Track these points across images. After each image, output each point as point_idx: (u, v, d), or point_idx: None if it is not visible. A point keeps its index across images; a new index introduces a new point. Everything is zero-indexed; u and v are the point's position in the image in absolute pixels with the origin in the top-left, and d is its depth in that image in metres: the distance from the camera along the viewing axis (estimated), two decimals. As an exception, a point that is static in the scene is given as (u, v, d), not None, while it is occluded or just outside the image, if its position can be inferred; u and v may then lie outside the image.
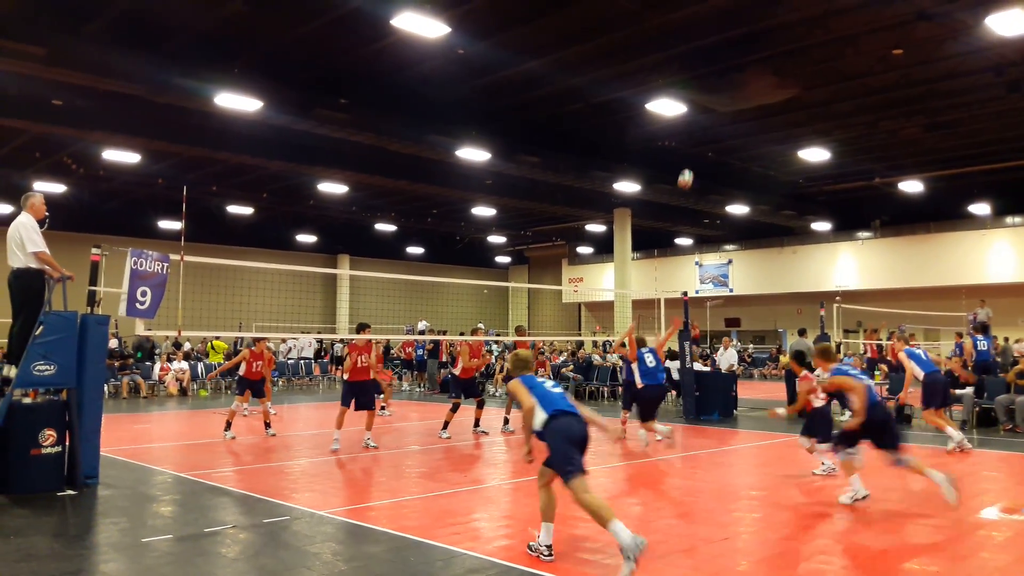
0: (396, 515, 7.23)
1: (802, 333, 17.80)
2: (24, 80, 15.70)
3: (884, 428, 7.47)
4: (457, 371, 12.94)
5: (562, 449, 5.68)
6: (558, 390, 6.14)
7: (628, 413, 12.18)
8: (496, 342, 25.28)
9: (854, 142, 22.52)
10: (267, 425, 12.74)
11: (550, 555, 5.72)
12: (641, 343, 12.01)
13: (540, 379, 6.21)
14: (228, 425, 12.25)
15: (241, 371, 13.16)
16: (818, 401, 8.75)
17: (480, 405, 13.05)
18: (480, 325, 16.24)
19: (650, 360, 11.79)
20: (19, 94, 17.12)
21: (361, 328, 11.51)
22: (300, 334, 28.80)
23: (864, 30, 14.56)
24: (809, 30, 14.55)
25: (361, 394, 11.22)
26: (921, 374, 11.29)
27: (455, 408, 12.63)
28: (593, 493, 5.52)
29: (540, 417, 5.81)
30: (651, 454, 10.85)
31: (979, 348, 15.88)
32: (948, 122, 20.41)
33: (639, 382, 11.61)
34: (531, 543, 5.91)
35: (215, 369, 21.79)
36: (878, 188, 27.58)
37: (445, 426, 12.48)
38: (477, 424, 12.93)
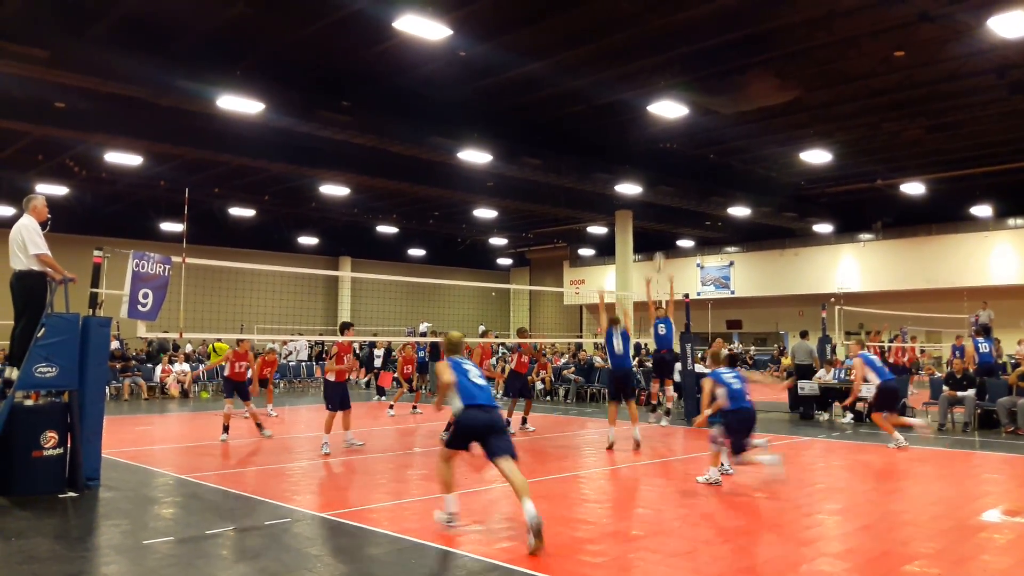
0: (397, 517, 7.22)
1: (804, 335, 17.80)
2: (27, 82, 15.73)
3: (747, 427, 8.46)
4: None
5: (460, 435, 6.71)
6: (481, 381, 6.85)
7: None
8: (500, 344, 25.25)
9: (856, 144, 22.51)
10: (259, 427, 12.74)
11: (453, 521, 6.59)
12: (614, 322, 11.94)
13: (466, 368, 6.93)
14: (225, 428, 12.27)
15: (225, 372, 13.26)
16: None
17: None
18: (482, 327, 16.29)
19: (618, 345, 11.71)
20: (22, 96, 17.15)
21: (345, 328, 11.66)
22: (297, 336, 28.79)
23: (866, 32, 14.56)
24: (811, 32, 14.54)
25: (345, 394, 11.34)
26: (877, 381, 11.82)
27: None
28: (450, 466, 6.83)
29: (457, 405, 6.69)
30: (655, 456, 10.84)
31: (981, 351, 15.87)
32: (950, 124, 20.40)
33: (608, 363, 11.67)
34: (437, 513, 6.71)
35: (201, 370, 21.83)
36: (880, 190, 27.57)
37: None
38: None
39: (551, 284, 43.33)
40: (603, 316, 11.94)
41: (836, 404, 15.69)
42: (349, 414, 11.51)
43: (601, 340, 28.10)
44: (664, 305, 14.83)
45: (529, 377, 14.83)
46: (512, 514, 7.38)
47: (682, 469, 10.05)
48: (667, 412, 14.88)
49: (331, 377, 11.41)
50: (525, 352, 14.02)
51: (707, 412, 8.77)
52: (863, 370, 12.02)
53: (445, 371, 6.82)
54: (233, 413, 12.64)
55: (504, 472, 6.33)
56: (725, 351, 11.57)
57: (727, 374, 8.68)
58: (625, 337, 11.80)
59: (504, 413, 13.53)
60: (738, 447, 8.32)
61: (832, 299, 18.90)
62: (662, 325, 14.79)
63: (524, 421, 13.94)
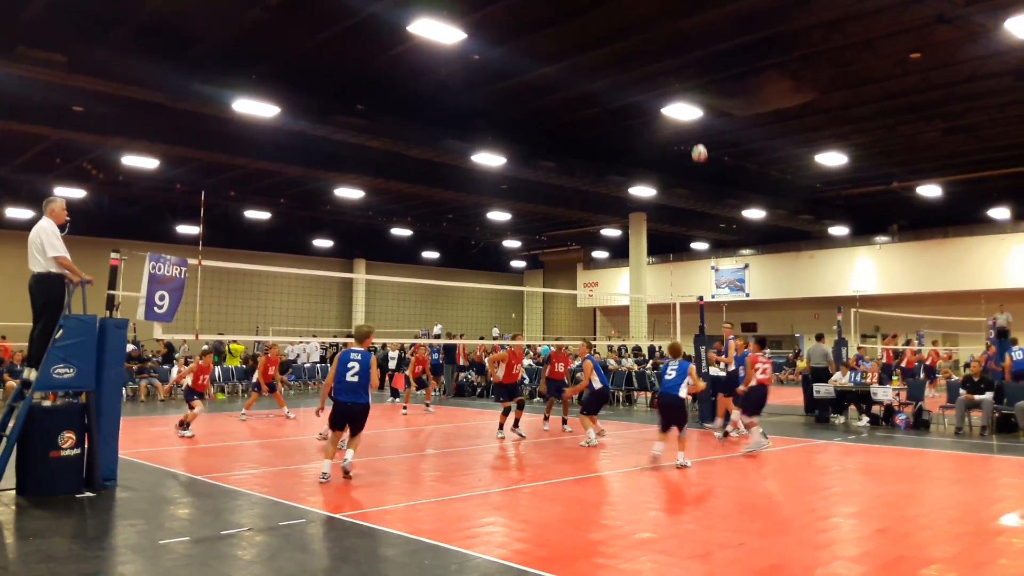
0: (411, 518, 7.24)
1: (819, 338, 17.68)
2: (46, 87, 15.92)
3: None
4: (500, 375, 13.14)
5: (335, 417, 8.93)
6: (354, 379, 8.75)
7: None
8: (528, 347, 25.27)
9: (872, 146, 22.39)
10: (183, 425, 12.85)
11: (326, 479, 8.63)
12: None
13: (350, 365, 8.79)
14: (186, 425, 12.72)
15: (188, 382, 13.65)
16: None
17: (520, 406, 13.10)
18: (496, 330, 16.47)
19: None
20: (41, 101, 17.35)
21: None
22: (311, 338, 28.89)
23: (882, 34, 14.50)
24: (826, 34, 14.49)
25: None
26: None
27: (507, 411, 12.93)
28: (330, 444, 9.01)
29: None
30: (663, 459, 10.81)
31: (1015, 358, 15.80)
32: (967, 126, 20.27)
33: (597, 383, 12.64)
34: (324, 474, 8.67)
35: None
36: (896, 192, 27.41)
37: (500, 427, 12.91)
38: (516, 425, 12.95)
39: (565, 286, 43.32)
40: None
41: (851, 407, 15.61)
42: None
43: (615, 343, 28.08)
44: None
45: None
46: (526, 515, 7.39)
47: (696, 472, 10.02)
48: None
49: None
50: (559, 360, 14.65)
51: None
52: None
53: (332, 367, 9.03)
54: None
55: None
56: None
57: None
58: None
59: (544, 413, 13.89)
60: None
61: (856, 303, 18.73)
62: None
63: (564, 422, 14.41)
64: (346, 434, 9.05)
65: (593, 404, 12.43)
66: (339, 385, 8.82)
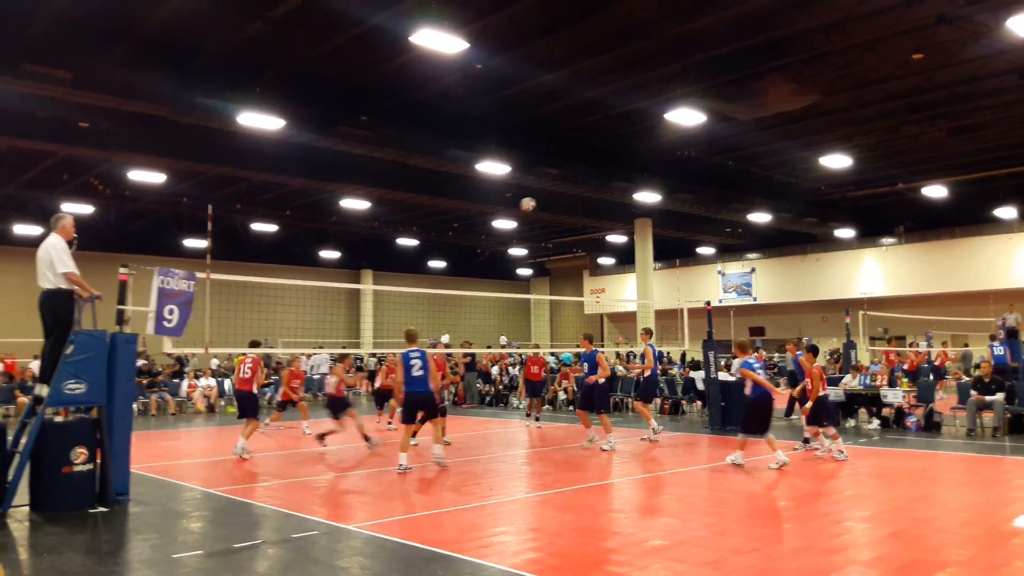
0: (423, 528, 7.24)
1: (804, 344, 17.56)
2: (51, 103, 16.01)
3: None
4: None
5: (407, 410, 10.22)
6: (419, 373, 10.08)
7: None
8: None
9: (876, 148, 22.35)
10: (367, 438, 12.85)
11: (403, 471, 9.87)
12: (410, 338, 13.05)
13: (413, 362, 10.13)
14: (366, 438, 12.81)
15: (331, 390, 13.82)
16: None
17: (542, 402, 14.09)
18: (503, 338, 16.88)
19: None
20: (47, 117, 17.45)
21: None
22: (319, 350, 28.93)
23: (884, 35, 14.49)
24: (828, 36, 14.50)
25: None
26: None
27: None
28: (404, 436, 10.28)
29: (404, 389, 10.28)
30: (678, 465, 10.79)
31: (996, 353, 15.79)
32: (972, 125, 20.24)
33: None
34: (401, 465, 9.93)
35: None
36: (902, 193, 27.35)
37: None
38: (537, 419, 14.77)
39: (571, 294, 43.31)
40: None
41: (862, 410, 15.55)
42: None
43: (623, 349, 28.06)
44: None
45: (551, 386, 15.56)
46: (538, 524, 7.38)
47: (706, 478, 10.00)
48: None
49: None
50: (534, 363, 15.96)
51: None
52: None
53: (399, 369, 10.42)
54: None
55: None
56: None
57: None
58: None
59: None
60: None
61: (864, 305, 18.68)
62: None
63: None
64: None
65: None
66: (407, 379, 10.17)
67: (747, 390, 10.52)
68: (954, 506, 7.76)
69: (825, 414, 11.18)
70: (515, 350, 28.67)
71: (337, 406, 13.23)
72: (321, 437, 13.03)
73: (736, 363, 11.09)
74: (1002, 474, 10.17)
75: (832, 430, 11.10)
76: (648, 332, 14.39)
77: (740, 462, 10.38)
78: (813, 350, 11.76)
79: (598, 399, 12.66)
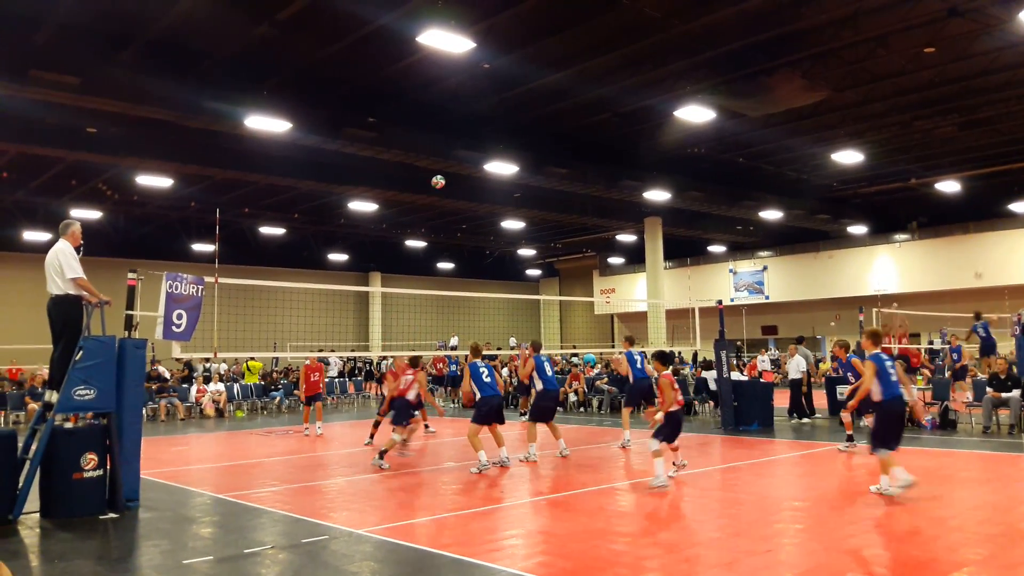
0: (434, 533, 7.18)
1: (799, 341, 17.39)
2: (59, 109, 16.06)
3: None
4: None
5: (482, 413, 10.60)
6: (488, 379, 10.65)
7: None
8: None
9: (888, 143, 22.21)
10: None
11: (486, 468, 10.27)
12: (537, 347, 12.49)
13: (481, 370, 10.68)
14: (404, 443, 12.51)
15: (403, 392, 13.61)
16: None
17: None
18: (513, 340, 16.55)
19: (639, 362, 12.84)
20: (54, 123, 17.52)
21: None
22: (329, 352, 28.96)
23: (895, 29, 14.37)
24: (838, 31, 14.39)
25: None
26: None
27: None
28: (477, 437, 10.50)
29: (478, 395, 10.63)
30: (691, 466, 10.70)
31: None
32: (985, 119, 20.06)
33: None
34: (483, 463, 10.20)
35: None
36: (914, 189, 27.16)
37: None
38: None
39: (581, 294, 43.21)
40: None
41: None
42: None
43: (635, 349, 27.96)
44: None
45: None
46: (548, 527, 7.31)
47: (719, 479, 9.90)
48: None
49: (411, 396, 11.68)
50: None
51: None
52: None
53: (466, 378, 10.78)
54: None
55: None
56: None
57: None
58: (643, 357, 12.98)
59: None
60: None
61: (878, 302, 18.53)
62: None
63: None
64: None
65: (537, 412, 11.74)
66: (481, 386, 10.64)
67: (875, 394, 8.27)
68: (970, 505, 7.64)
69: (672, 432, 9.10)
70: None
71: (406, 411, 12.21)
72: (404, 442, 12.36)
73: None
74: (1019, 472, 10.04)
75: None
76: (629, 340, 14.21)
77: (895, 488, 7.96)
78: (661, 357, 9.62)
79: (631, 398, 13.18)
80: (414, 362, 12.10)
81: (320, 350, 28.61)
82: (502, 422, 10.92)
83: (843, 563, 5.87)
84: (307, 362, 16.80)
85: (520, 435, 13.24)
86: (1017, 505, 7.79)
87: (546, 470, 10.78)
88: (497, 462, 10.62)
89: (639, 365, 12.85)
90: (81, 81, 14.22)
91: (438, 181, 14.51)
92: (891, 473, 7.93)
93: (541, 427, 11.71)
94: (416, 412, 12.55)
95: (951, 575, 5.53)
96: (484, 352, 11.63)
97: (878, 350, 8.49)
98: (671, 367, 8.83)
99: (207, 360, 23.76)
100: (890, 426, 8.20)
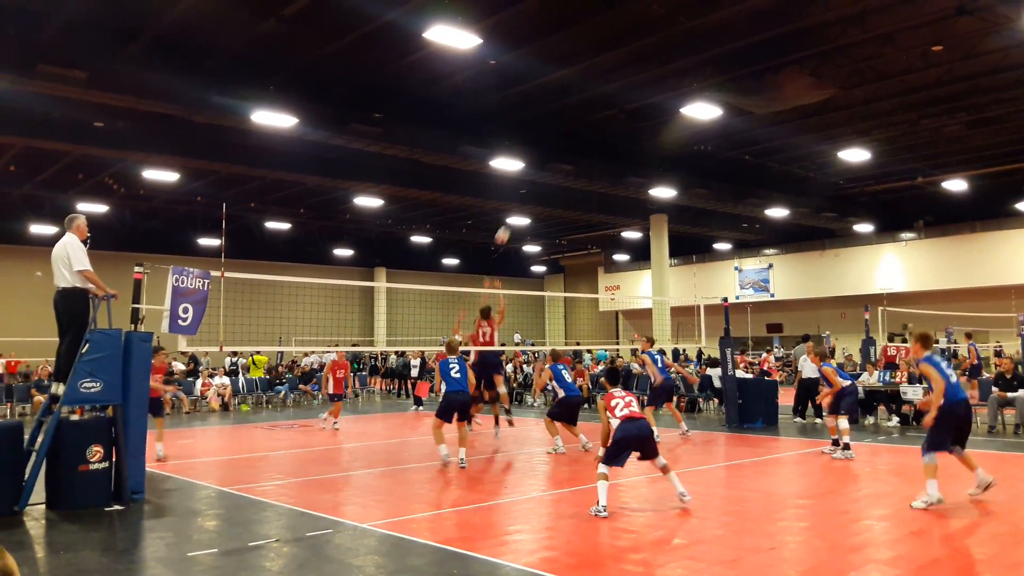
0: (438, 527, 7.20)
1: (805, 339, 17.30)
2: (66, 103, 16.10)
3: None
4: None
5: (442, 407, 10.63)
6: (457, 375, 10.55)
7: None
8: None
9: (895, 141, 22.14)
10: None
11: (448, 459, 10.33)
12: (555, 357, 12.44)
13: (451, 365, 10.61)
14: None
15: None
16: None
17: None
18: (517, 336, 16.43)
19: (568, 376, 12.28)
20: (61, 117, 17.56)
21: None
22: (332, 347, 28.97)
23: (902, 27, 14.32)
24: (845, 29, 14.34)
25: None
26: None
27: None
28: (439, 431, 10.62)
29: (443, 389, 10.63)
30: (693, 464, 10.70)
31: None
32: (992, 118, 19.98)
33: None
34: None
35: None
36: (921, 187, 27.08)
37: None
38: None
39: (586, 291, 43.19)
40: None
41: (881, 407, 15.38)
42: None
43: (638, 347, 27.95)
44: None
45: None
46: (553, 522, 7.32)
47: (724, 476, 9.90)
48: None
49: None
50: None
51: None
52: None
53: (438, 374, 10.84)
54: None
55: None
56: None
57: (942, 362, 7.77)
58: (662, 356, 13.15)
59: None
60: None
61: (884, 301, 18.47)
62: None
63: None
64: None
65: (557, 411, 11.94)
66: (448, 380, 10.57)
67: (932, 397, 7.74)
68: (975, 504, 7.63)
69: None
70: (530, 347, 28.59)
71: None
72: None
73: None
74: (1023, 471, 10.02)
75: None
76: (649, 340, 14.02)
77: (934, 498, 7.45)
78: (611, 376, 8.83)
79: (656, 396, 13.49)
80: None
81: (337, 345, 28.66)
82: (463, 419, 10.73)
83: (847, 561, 5.87)
84: (334, 357, 16.84)
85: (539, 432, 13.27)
86: (1022, 505, 7.77)
87: (551, 466, 10.79)
88: (456, 460, 10.34)
89: (660, 364, 13.35)
90: (88, 75, 14.25)
91: (502, 236, 14.60)
92: (927, 484, 7.47)
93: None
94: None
95: (957, 573, 5.53)
96: (484, 350, 11.84)
97: (929, 352, 7.93)
98: (619, 385, 8.35)
99: (206, 354, 23.78)
100: (946, 428, 7.64)
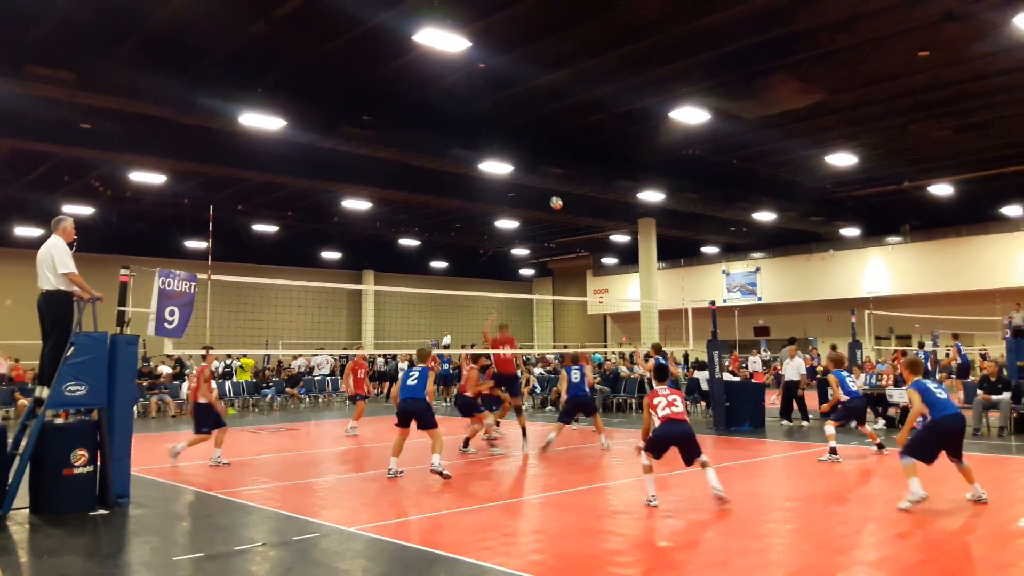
0: (425, 531, 7.18)
1: (792, 342, 17.35)
2: (54, 104, 15.96)
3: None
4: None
5: (398, 414, 10.07)
6: (414, 383, 9.98)
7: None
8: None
9: (882, 146, 22.26)
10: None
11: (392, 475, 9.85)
12: (575, 360, 12.86)
13: (411, 373, 10.12)
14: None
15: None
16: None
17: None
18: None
19: (576, 376, 12.50)
20: (48, 118, 17.41)
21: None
22: (319, 350, 28.91)
23: (890, 33, 14.40)
24: (834, 35, 14.41)
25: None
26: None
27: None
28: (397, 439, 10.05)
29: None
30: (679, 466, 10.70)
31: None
32: (978, 123, 20.13)
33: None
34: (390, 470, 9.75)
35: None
36: (908, 192, 27.23)
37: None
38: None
39: (574, 294, 43.23)
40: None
41: (867, 410, 15.43)
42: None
43: (626, 350, 28.00)
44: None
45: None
46: (540, 525, 7.31)
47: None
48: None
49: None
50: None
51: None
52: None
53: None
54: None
55: None
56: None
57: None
58: (582, 370, 12.62)
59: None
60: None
61: (870, 305, 18.56)
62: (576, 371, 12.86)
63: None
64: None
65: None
66: (403, 388, 10.16)
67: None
68: (961, 506, 7.67)
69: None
70: (519, 351, 28.49)
71: (477, 405, 12.65)
72: (466, 442, 12.39)
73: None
74: (1009, 473, 10.08)
75: None
76: (656, 348, 14.45)
77: (918, 496, 7.48)
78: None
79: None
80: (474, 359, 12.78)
81: (323, 348, 28.53)
82: (422, 428, 9.95)
83: (834, 564, 5.89)
84: (355, 358, 16.62)
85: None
86: (1007, 507, 7.82)
87: (538, 469, 10.78)
88: (434, 469, 9.60)
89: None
90: (76, 77, 14.15)
91: (557, 203, 14.61)
92: (909, 484, 7.50)
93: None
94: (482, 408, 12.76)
95: (942, 574, 5.56)
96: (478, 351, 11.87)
97: (917, 378, 8.05)
98: (666, 383, 8.57)
99: (190, 357, 23.67)
100: (933, 441, 7.67)
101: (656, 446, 7.92)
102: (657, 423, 7.89)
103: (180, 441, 11.72)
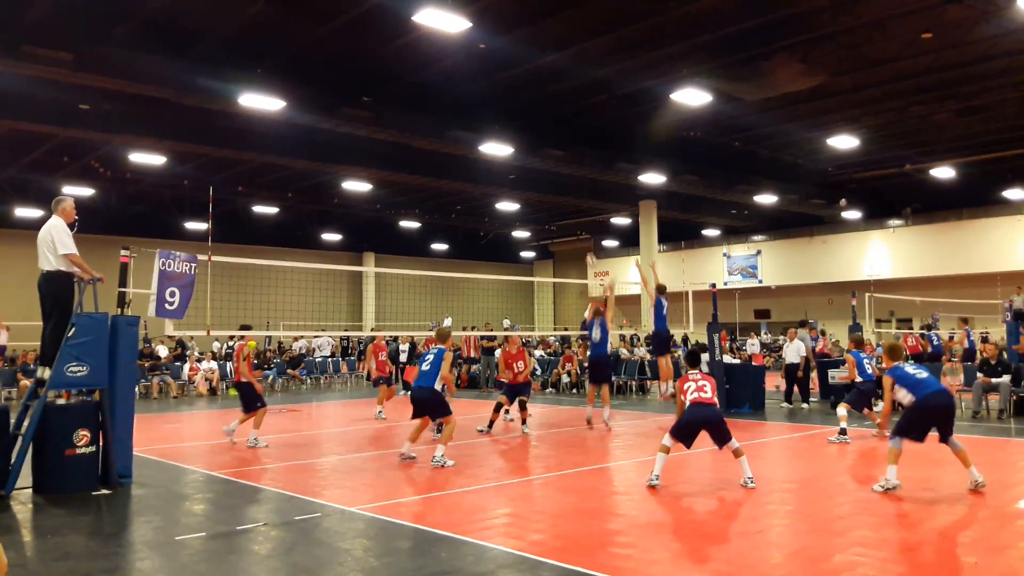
0: (426, 511, 7.22)
1: (802, 324, 17.38)
2: (53, 85, 15.93)
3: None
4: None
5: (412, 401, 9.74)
6: (426, 368, 9.57)
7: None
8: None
9: (884, 128, 22.18)
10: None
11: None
12: (597, 312, 13.34)
13: (426, 357, 9.71)
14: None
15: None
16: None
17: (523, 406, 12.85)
18: (507, 321, 16.29)
19: (597, 334, 13.10)
20: (48, 99, 17.35)
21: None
22: (320, 332, 28.92)
23: (892, 14, 14.32)
24: (836, 16, 14.33)
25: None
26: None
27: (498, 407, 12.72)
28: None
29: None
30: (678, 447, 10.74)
31: None
32: (980, 106, 20.04)
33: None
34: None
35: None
36: (909, 175, 27.16)
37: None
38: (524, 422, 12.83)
39: (575, 277, 43.15)
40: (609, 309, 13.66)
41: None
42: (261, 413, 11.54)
43: (627, 332, 28.04)
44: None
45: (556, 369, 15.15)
46: (541, 506, 7.35)
47: (711, 460, 9.95)
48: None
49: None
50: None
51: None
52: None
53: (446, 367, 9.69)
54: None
55: None
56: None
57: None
58: (604, 327, 13.06)
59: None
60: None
61: (871, 288, 18.57)
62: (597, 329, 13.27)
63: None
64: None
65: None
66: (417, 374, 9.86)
67: (906, 400, 7.80)
68: (959, 488, 7.70)
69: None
70: (518, 333, 28.53)
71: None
72: (490, 425, 12.44)
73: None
74: (1008, 456, 10.13)
75: None
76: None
77: (892, 483, 7.59)
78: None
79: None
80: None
81: (324, 329, 28.53)
82: (430, 416, 9.97)
83: (832, 544, 5.93)
84: (375, 340, 16.15)
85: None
86: (1005, 488, 7.86)
87: (538, 450, 10.83)
88: (435, 463, 9.30)
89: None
90: (75, 57, 14.09)
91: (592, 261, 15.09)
92: (887, 469, 7.60)
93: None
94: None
95: (940, 555, 5.59)
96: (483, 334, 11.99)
97: (896, 363, 8.00)
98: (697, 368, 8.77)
99: (192, 338, 23.70)
100: (920, 420, 7.64)
101: (683, 430, 7.95)
102: (687, 405, 8.00)
103: (179, 422, 11.75)
